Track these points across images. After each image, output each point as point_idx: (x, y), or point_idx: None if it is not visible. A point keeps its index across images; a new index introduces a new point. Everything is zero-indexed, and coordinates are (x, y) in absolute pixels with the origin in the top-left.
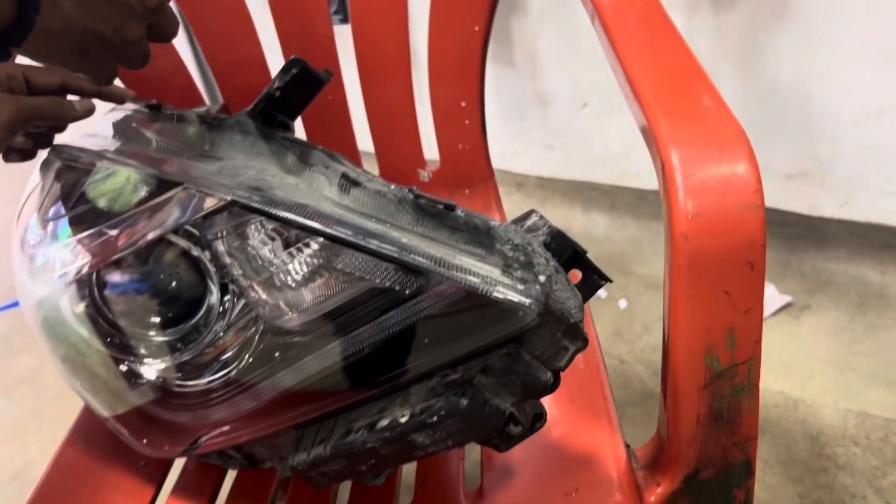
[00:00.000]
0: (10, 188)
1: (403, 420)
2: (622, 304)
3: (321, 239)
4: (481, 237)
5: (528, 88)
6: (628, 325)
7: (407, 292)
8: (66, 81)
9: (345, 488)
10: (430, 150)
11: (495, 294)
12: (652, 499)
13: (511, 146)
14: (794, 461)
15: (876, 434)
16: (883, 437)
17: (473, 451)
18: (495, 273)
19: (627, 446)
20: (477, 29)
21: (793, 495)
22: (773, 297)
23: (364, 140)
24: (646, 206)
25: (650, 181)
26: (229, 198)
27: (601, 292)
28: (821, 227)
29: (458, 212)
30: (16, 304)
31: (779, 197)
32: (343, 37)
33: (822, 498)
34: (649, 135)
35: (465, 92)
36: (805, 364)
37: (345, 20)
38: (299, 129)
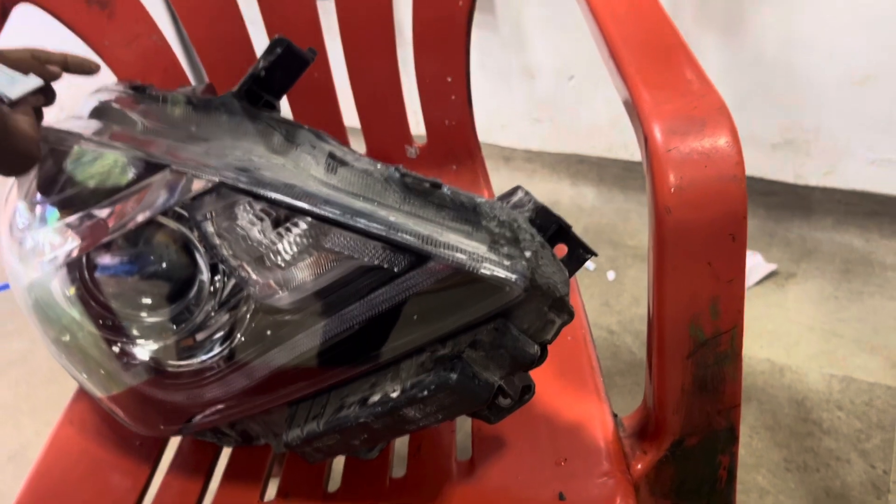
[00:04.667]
0: None
1: (395, 395)
2: (610, 275)
3: (309, 218)
4: (467, 214)
5: (514, 61)
6: (617, 296)
7: (395, 270)
8: (36, 54)
9: (339, 462)
10: (417, 126)
11: (482, 270)
12: (639, 466)
13: (498, 119)
14: (779, 426)
15: (860, 398)
16: (867, 402)
17: (465, 424)
18: (482, 250)
19: (615, 416)
20: (461, 3)
21: (779, 459)
22: (758, 265)
23: (350, 117)
24: (633, 178)
25: (637, 153)
26: (217, 179)
27: (589, 264)
28: (806, 195)
29: (444, 189)
30: (5, 286)
31: (764, 166)
32: (326, 13)
33: (807, 461)
34: (632, 109)
35: (451, 68)
36: (791, 331)
37: None
38: (285, 108)
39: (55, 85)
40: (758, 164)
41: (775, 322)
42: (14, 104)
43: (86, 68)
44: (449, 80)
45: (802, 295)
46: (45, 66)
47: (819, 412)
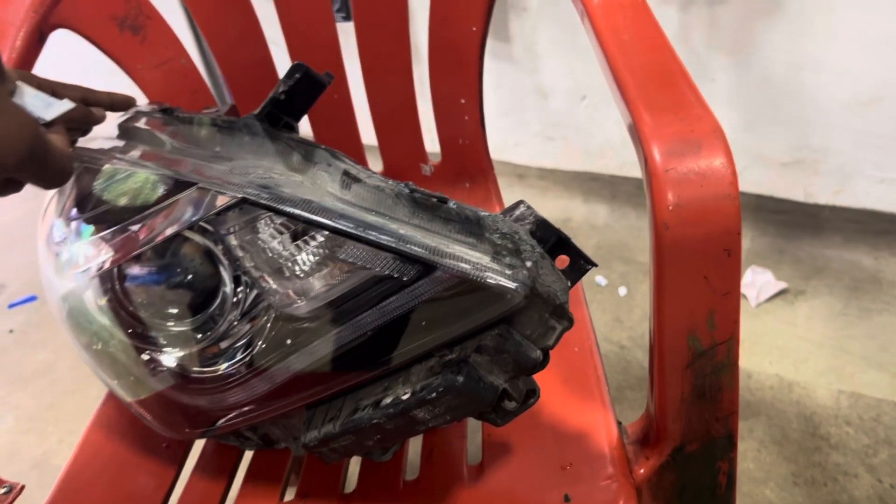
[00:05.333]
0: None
1: (405, 397)
2: (622, 291)
3: (324, 234)
4: (472, 227)
5: (527, 81)
6: (628, 312)
7: (405, 279)
8: (85, 96)
9: (354, 465)
10: (431, 144)
11: (486, 279)
12: (642, 471)
13: (512, 138)
14: (788, 441)
15: (868, 414)
16: (875, 417)
17: (476, 433)
18: (485, 260)
19: (619, 423)
20: (475, 29)
21: (787, 474)
22: (769, 282)
23: (368, 135)
24: (645, 196)
25: None
26: (240, 195)
27: (601, 280)
28: (816, 214)
29: (451, 204)
30: (31, 298)
31: (774, 185)
32: (346, 34)
33: (815, 476)
34: (634, 130)
35: (464, 90)
36: (800, 348)
37: (347, 18)
38: (306, 126)
39: None
40: (768, 183)
41: (784, 338)
42: (49, 125)
43: (127, 104)
44: (463, 101)
45: (812, 312)
46: (91, 112)
47: (827, 427)
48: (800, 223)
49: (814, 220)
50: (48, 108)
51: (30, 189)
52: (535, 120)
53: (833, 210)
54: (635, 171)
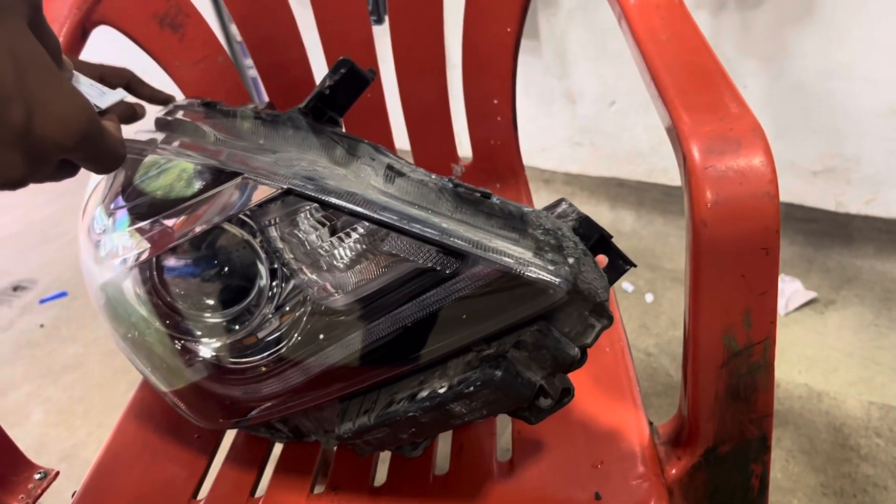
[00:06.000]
0: (53, 186)
1: (442, 391)
2: (649, 298)
3: (366, 225)
4: (515, 223)
5: (556, 86)
6: (655, 318)
7: (447, 272)
8: (131, 81)
9: (384, 459)
10: (461, 146)
11: (528, 273)
12: (673, 471)
13: (539, 143)
14: (816, 451)
15: None
16: None
17: (505, 430)
18: (528, 255)
19: (650, 424)
20: (509, 30)
21: (815, 484)
22: (798, 292)
23: (399, 137)
24: (672, 203)
25: (677, 178)
26: (286, 186)
27: (628, 286)
28: (847, 223)
29: (494, 199)
30: (62, 294)
31: (804, 193)
32: (380, 38)
33: (844, 487)
34: (672, 130)
35: (498, 90)
36: (829, 358)
37: (379, 21)
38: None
39: None
40: (798, 192)
41: (814, 348)
42: (102, 113)
43: (164, 100)
44: (495, 101)
45: (842, 322)
46: (134, 108)
47: (857, 438)
48: (830, 232)
49: (844, 230)
50: (102, 97)
51: (60, 188)
52: (562, 125)
53: (865, 220)
54: (663, 177)
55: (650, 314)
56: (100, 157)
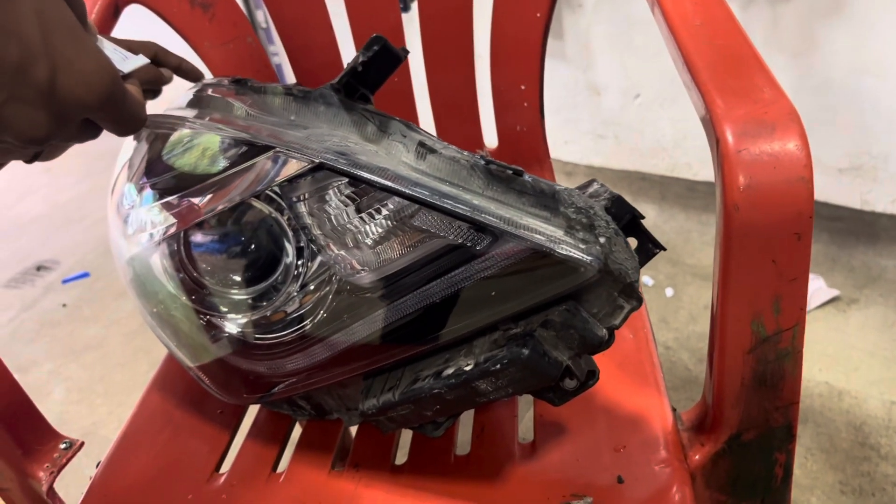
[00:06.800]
0: (78, 169)
1: (468, 368)
2: (669, 292)
3: (395, 203)
4: (546, 201)
5: (580, 78)
6: (674, 313)
7: (477, 248)
8: (157, 53)
9: (405, 438)
10: (486, 134)
11: (559, 251)
12: (696, 457)
13: (562, 135)
14: (836, 450)
15: None
16: None
17: (527, 413)
18: (559, 233)
19: (673, 410)
20: (539, 15)
21: (833, 482)
22: (820, 289)
23: (425, 123)
24: (695, 198)
25: (700, 172)
26: (318, 160)
27: (648, 280)
28: (872, 222)
29: (526, 177)
30: (84, 275)
31: (830, 191)
32: (407, 23)
33: (862, 486)
34: (706, 115)
35: (525, 76)
36: (850, 356)
37: (405, 9)
38: None
39: None
40: (823, 189)
41: (835, 346)
42: (125, 78)
43: (194, 75)
44: (523, 87)
45: (864, 321)
46: (160, 73)
47: (877, 437)
48: (854, 231)
49: (870, 229)
50: (125, 62)
51: (84, 170)
52: (586, 117)
53: (891, 218)
54: (686, 172)
55: (670, 308)
56: (122, 118)
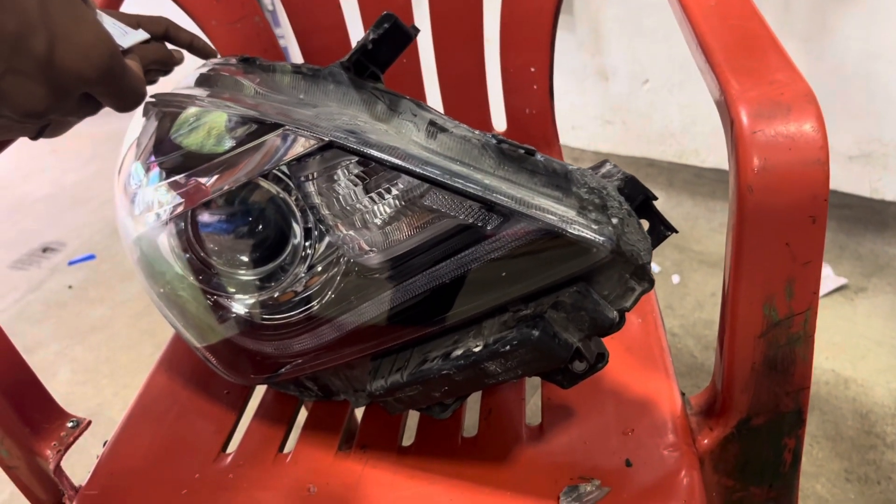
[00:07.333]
0: (84, 151)
1: (477, 349)
2: (675, 279)
3: (405, 182)
4: (559, 181)
5: (589, 63)
6: (680, 300)
7: (488, 229)
8: (169, 28)
9: (412, 420)
10: (494, 117)
11: (571, 231)
12: (705, 441)
13: (569, 121)
14: (841, 437)
15: None
16: None
17: (535, 396)
18: (571, 214)
19: (682, 394)
20: None
21: (839, 470)
22: (828, 277)
23: (433, 105)
24: (702, 185)
25: (708, 159)
26: (328, 139)
27: (654, 267)
28: (882, 210)
29: (538, 156)
30: (90, 257)
31: (839, 178)
32: (416, 5)
33: (868, 474)
34: (720, 95)
35: (535, 58)
36: (858, 345)
37: None
38: None
39: None
40: (832, 176)
41: (842, 335)
42: (125, 52)
43: (207, 52)
44: (532, 69)
45: (872, 310)
46: (171, 52)
47: (883, 426)
48: (863, 219)
49: (879, 217)
50: (125, 37)
51: (90, 152)
52: (594, 103)
53: None
54: (694, 159)
55: (676, 295)
56: (121, 92)
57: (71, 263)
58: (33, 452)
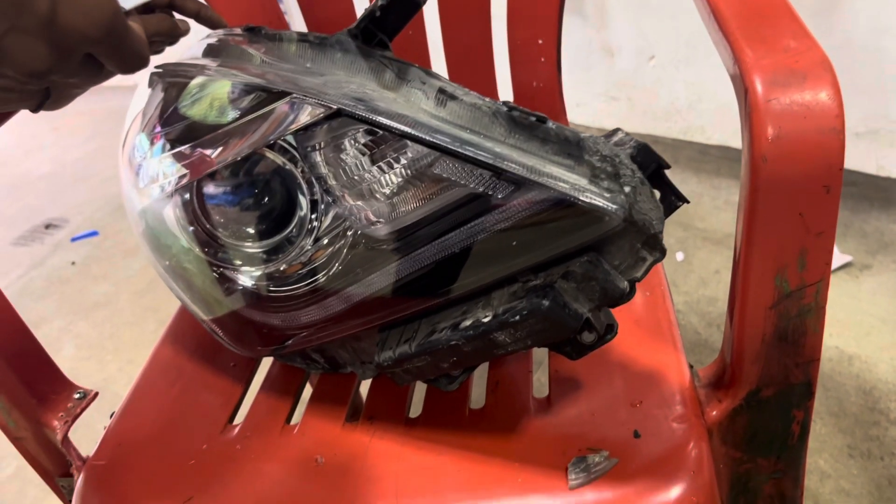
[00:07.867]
0: (85, 128)
1: (486, 320)
2: (679, 256)
3: (414, 151)
4: (570, 149)
5: (595, 39)
6: (684, 277)
7: (499, 197)
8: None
9: (419, 392)
10: (501, 91)
11: (583, 200)
12: (714, 413)
13: (574, 97)
14: (845, 414)
15: None
16: None
17: (543, 368)
18: (583, 182)
19: (691, 366)
20: None
21: (842, 446)
22: (833, 255)
23: None
24: (707, 162)
25: (714, 136)
26: (335, 107)
27: None
28: (887, 188)
29: (550, 124)
30: (93, 233)
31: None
32: None
33: (871, 450)
34: (734, 64)
35: (543, 30)
36: (862, 322)
37: None
38: None
39: None
40: None
41: (847, 312)
42: (128, 14)
43: (215, 22)
44: (540, 42)
45: (877, 287)
46: (176, 24)
47: (887, 402)
48: (869, 196)
49: (884, 194)
50: (126, 0)
51: (91, 130)
52: (599, 79)
53: None
54: (699, 135)
55: (680, 272)
56: (123, 54)
57: (74, 240)
58: (40, 423)
